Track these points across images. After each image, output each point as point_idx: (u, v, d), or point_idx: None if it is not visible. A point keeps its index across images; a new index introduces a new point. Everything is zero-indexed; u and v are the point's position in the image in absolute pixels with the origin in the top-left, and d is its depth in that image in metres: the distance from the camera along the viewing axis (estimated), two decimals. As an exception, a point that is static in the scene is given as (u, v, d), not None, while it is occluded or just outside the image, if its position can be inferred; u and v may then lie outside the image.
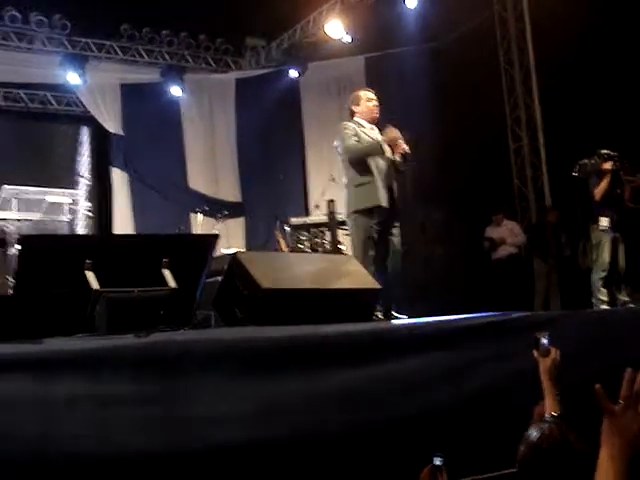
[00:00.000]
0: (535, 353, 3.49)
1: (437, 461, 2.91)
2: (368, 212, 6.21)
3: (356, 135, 6.33)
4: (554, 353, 3.44)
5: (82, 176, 12.63)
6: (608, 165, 7.47)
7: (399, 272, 6.25)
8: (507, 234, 10.71)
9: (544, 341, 3.51)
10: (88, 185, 12.61)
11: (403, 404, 3.89)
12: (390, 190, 6.31)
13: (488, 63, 11.26)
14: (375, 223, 6.19)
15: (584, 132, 9.04)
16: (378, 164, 6.29)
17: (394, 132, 6.29)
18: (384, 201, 6.20)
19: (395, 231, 6.31)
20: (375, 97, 6.55)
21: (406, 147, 6.26)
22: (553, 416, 3.00)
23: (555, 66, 10.22)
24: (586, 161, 7.64)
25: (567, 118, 9.89)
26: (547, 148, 11.03)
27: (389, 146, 6.31)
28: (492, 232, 10.77)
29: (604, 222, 7.45)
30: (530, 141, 11.28)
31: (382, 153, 6.26)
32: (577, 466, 2.39)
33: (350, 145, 6.30)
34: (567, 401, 3.29)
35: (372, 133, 6.42)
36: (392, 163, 6.34)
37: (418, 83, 11.09)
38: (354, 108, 6.53)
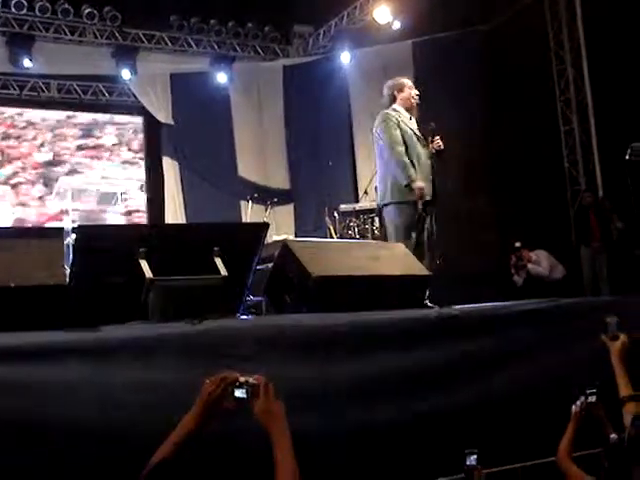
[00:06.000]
0: (604, 337, 3.56)
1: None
2: (412, 203, 6.28)
3: (399, 127, 6.37)
4: (623, 337, 3.50)
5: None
6: (660, 147, 7.31)
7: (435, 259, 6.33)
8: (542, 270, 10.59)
9: (612, 324, 3.56)
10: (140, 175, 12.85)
11: (452, 390, 3.91)
12: (431, 181, 6.37)
13: (537, 45, 11.10)
14: (417, 214, 6.27)
15: (638, 114, 8.89)
16: (420, 157, 6.35)
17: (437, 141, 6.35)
18: (427, 195, 6.29)
19: (430, 220, 6.35)
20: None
21: (441, 144, 6.33)
22: None
23: (606, 47, 10.05)
24: (638, 144, 7.49)
25: (619, 100, 9.73)
26: (598, 131, 10.86)
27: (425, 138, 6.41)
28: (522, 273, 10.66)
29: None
30: (581, 124, 11.11)
31: (410, 180, 6.26)
32: None
33: (394, 144, 6.33)
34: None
35: (410, 124, 6.45)
36: (431, 155, 6.40)
37: (466, 67, 11.01)
38: (397, 94, 6.54)
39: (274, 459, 2.27)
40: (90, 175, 12.25)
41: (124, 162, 12.85)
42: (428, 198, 6.32)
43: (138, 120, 13.05)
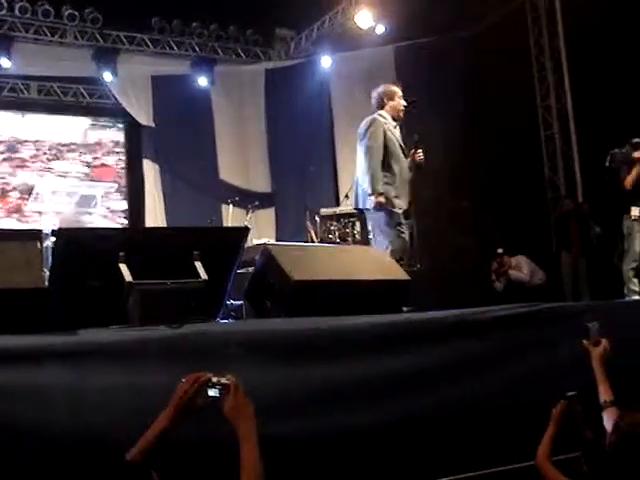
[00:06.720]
0: (585, 342, 3.61)
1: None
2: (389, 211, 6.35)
3: (384, 135, 6.37)
4: (604, 342, 3.55)
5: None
6: (638, 154, 7.34)
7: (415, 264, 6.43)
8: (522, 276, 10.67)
9: (594, 330, 3.61)
10: (121, 178, 12.76)
11: (431, 394, 3.91)
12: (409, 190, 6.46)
13: (519, 51, 11.17)
14: (396, 222, 6.33)
15: (617, 121, 8.94)
16: (402, 167, 6.41)
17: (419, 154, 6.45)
18: (403, 205, 6.37)
19: (410, 226, 6.43)
20: None
21: (422, 157, 6.43)
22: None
23: (587, 53, 10.13)
24: (617, 150, 7.53)
25: (600, 106, 9.80)
26: (579, 137, 10.93)
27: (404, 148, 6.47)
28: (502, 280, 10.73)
29: (635, 212, 7.33)
30: (561, 130, 11.19)
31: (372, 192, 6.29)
32: None
33: (373, 154, 6.34)
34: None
35: (395, 132, 6.47)
36: (411, 165, 6.50)
37: (448, 72, 11.05)
38: (387, 102, 6.52)
39: (240, 456, 2.32)
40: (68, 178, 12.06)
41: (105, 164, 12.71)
42: (405, 207, 6.36)
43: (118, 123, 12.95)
